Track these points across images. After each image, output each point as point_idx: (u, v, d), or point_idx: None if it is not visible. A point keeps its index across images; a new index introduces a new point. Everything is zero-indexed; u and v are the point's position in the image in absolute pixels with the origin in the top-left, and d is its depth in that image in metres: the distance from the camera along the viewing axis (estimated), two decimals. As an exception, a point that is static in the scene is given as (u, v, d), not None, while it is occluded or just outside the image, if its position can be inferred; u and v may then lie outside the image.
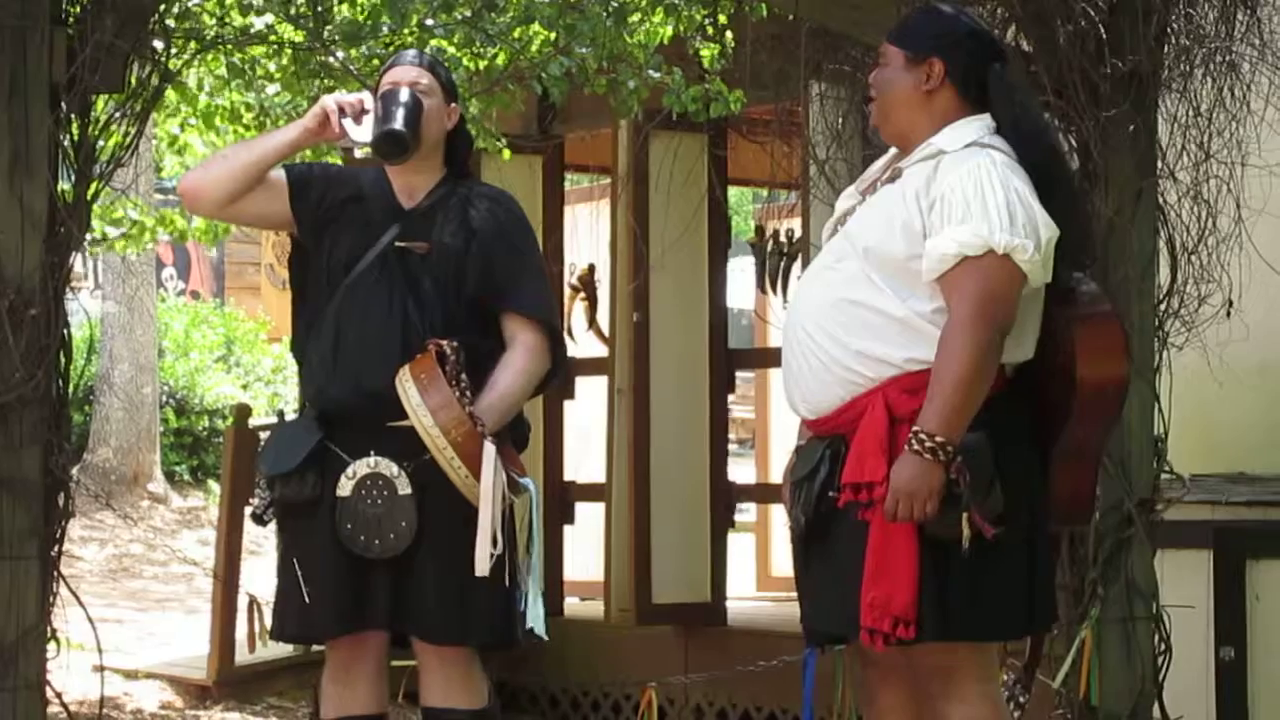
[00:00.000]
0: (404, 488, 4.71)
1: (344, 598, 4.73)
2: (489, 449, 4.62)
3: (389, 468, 4.71)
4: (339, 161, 7.50)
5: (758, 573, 11.29)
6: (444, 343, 4.70)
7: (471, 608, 4.73)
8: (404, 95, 4.81)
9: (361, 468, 4.72)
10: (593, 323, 10.10)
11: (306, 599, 4.74)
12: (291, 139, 4.89)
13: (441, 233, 4.83)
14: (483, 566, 4.63)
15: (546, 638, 4.84)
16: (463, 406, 4.62)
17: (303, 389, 5.01)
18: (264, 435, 8.92)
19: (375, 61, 7.01)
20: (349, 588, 4.72)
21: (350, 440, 4.75)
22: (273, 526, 4.92)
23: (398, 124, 4.77)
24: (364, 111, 4.84)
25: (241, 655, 8.46)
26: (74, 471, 5.22)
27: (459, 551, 4.67)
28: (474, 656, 4.84)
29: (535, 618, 4.82)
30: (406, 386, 4.64)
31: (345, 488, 4.71)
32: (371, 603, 4.73)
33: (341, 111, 4.83)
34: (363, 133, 4.84)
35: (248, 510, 8.53)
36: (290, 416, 5.09)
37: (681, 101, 7.15)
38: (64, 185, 5.02)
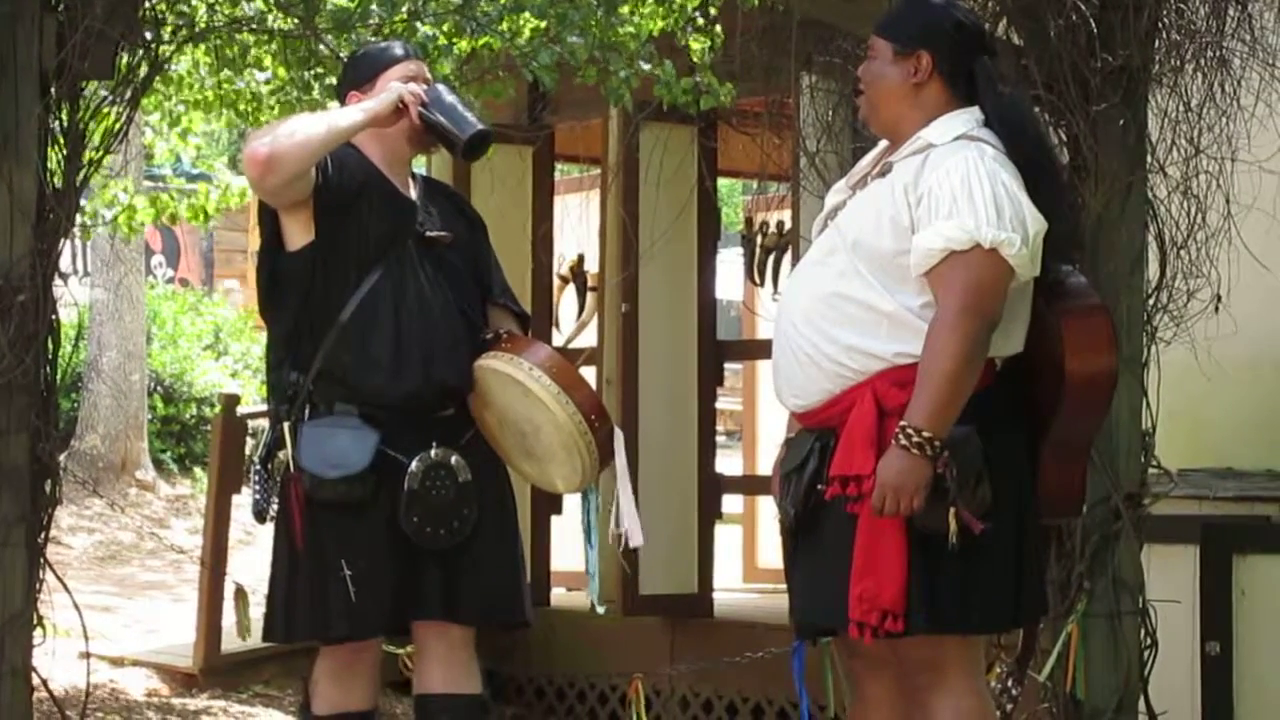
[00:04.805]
0: (464, 475, 4.69)
1: (397, 592, 4.66)
2: (618, 432, 4.79)
3: (449, 456, 4.68)
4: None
5: (744, 564, 11.29)
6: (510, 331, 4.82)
7: (514, 587, 4.79)
8: (449, 93, 4.74)
9: (427, 458, 4.66)
10: (581, 313, 10.10)
11: (354, 598, 4.61)
12: (359, 122, 4.65)
13: (444, 223, 4.81)
14: (638, 537, 4.81)
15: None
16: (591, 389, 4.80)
17: (346, 383, 4.66)
18: (252, 424, 8.98)
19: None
20: (403, 582, 4.66)
21: (401, 433, 4.66)
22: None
23: (483, 124, 4.71)
24: (423, 104, 4.71)
25: (228, 643, 8.47)
26: (61, 458, 5.21)
27: (499, 534, 4.74)
28: (473, 643, 4.82)
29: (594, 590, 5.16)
30: (538, 378, 4.67)
31: (414, 480, 4.63)
32: (423, 594, 4.68)
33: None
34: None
35: (236, 499, 8.62)
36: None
37: (673, 93, 7.14)
38: (53, 170, 5.01)
